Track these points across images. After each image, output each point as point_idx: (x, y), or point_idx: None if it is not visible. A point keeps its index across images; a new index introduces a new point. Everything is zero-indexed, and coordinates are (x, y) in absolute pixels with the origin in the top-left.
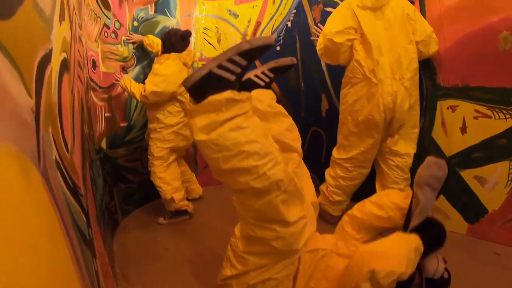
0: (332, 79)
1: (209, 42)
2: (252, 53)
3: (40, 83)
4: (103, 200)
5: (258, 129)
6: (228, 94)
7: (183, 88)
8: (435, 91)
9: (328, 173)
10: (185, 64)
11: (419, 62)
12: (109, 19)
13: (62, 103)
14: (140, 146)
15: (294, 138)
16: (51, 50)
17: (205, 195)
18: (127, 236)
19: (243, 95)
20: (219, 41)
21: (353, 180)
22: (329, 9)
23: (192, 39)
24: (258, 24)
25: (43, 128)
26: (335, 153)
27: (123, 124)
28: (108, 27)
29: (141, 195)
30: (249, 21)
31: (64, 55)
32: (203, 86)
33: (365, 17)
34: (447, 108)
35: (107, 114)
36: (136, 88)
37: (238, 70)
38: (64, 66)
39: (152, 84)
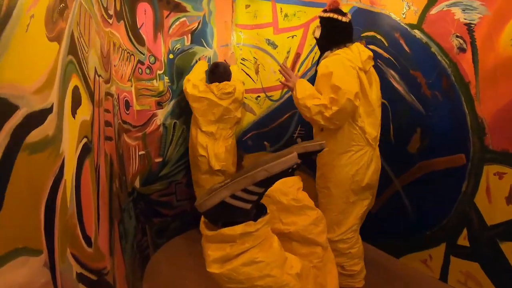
0: None
1: (246, 73)
2: (270, 181)
3: (51, 223)
4: (135, 241)
5: (273, 261)
6: (241, 229)
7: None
8: (482, 153)
9: None
10: (215, 94)
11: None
12: (143, 54)
13: (82, 200)
14: (175, 180)
15: (320, 232)
16: (62, 163)
17: None
18: (157, 275)
19: (259, 223)
20: (257, 72)
21: (359, 241)
22: (372, 46)
23: None
24: (298, 55)
25: (59, 264)
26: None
27: (158, 160)
28: (143, 63)
29: (175, 227)
30: (288, 52)
31: (84, 140)
32: (216, 214)
33: (365, 81)
34: (494, 174)
35: (141, 153)
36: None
37: (254, 198)
38: (85, 151)
39: (186, 79)
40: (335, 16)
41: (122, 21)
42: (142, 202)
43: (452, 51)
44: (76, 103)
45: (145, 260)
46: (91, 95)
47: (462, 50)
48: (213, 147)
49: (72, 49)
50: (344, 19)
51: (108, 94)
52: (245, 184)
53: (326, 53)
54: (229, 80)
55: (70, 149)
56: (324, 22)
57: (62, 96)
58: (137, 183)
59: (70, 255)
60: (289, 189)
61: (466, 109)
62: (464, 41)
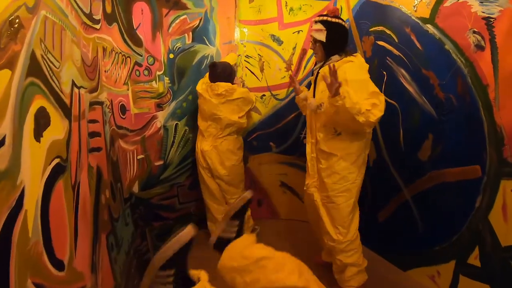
0: (381, 124)
1: (251, 71)
2: (175, 261)
3: (5, 259)
4: (132, 247)
5: None
6: None
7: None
8: (500, 167)
9: (339, 259)
10: (208, 93)
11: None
12: (140, 56)
13: (51, 224)
14: (177, 183)
15: (286, 275)
16: (21, 194)
17: None
18: None
19: None
20: (262, 70)
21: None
22: (381, 42)
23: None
24: (304, 51)
25: None
26: (347, 237)
27: (159, 163)
28: (140, 65)
29: (177, 229)
30: (294, 48)
31: (56, 161)
32: None
33: None
34: None
35: (139, 157)
36: None
37: (170, 279)
38: (57, 171)
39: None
40: (342, 22)
41: (115, 24)
42: (141, 206)
43: (468, 49)
44: (41, 126)
45: (145, 264)
46: (66, 111)
47: (480, 48)
48: (201, 143)
49: (34, 70)
50: (346, 26)
51: (95, 103)
52: (152, 271)
53: (333, 57)
54: (228, 80)
55: (33, 176)
56: (332, 27)
57: (19, 124)
58: (135, 188)
59: (31, 285)
60: (236, 250)
61: (483, 116)
62: (482, 37)
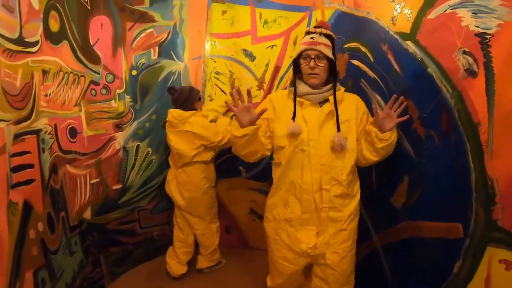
0: None
1: (221, 90)
2: None
3: None
4: (79, 277)
5: None
6: None
7: None
8: (487, 230)
9: None
10: None
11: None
12: (98, 74)
13: None
14: (138, 207)
15: None
16: None
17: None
18: None
19: None
20: (232, 87)
21: None
22: (355, 61)
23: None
24: (277, 69)
25: None
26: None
27: (117, 187)
28: (97, 83)
29: (138, 255)
30: (267, 65)
31: None
32: None
33: None
34: (500, 261)
35: (93, 181)
36: None
37: None
38: None
39: None
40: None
41: (64, 42)
42: (94, 233)
43: (456, 75)
44: None
45: None
46: None
47: (471, 73)
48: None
49: None
50: None
51: (25, 133)
52: None
53: (338, 85)
54: (182, 107)
55: None
56: (334, 44)
57: None
58: (87, 214)
59: None
60: None
61: (471, 163)
62: (475, 60)
